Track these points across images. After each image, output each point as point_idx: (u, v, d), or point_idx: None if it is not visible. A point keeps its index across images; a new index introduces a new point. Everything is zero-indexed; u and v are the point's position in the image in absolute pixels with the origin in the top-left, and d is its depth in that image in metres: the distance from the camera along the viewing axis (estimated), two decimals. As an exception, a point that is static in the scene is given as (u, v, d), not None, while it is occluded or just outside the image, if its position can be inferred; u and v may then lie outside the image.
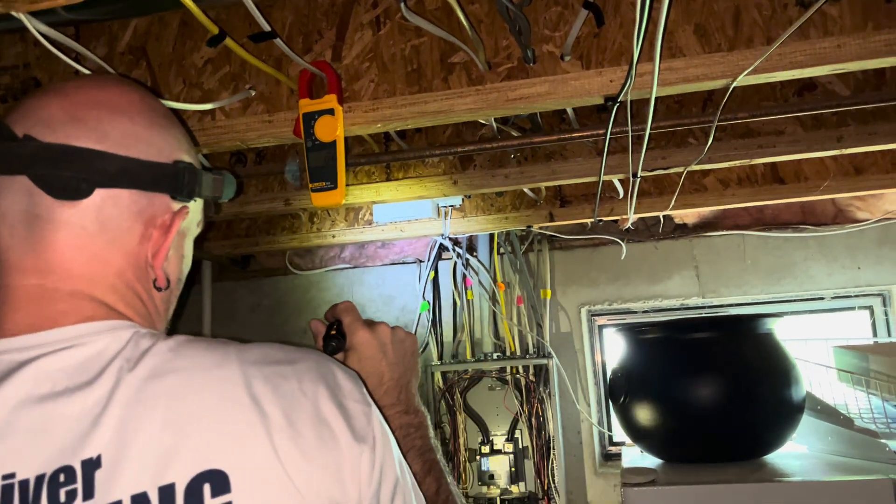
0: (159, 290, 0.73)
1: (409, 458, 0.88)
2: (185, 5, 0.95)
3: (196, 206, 0.77)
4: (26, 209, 0.66)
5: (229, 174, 0.84)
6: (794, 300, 2.64)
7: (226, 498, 0.57)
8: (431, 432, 0.94)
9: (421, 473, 0.88)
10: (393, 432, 0.88)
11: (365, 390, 0.70)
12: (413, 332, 1.90)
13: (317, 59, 1.31)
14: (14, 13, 0.95)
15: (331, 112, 1.23)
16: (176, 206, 0.73)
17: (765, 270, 2.64)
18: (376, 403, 0.71)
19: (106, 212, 0.67)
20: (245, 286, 3.05)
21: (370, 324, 0.93)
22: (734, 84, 1.20)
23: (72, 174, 0.65)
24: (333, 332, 0.92)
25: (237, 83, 1.35)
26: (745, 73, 1.16)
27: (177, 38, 1.39)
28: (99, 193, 0.67)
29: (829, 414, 1.98)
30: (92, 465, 0.58)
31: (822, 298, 2.62)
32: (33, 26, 0.98)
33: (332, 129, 1.22)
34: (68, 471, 0.58)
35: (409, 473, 0.74)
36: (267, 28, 1.10)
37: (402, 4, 1.02)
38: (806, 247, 2.60)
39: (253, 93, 1.33)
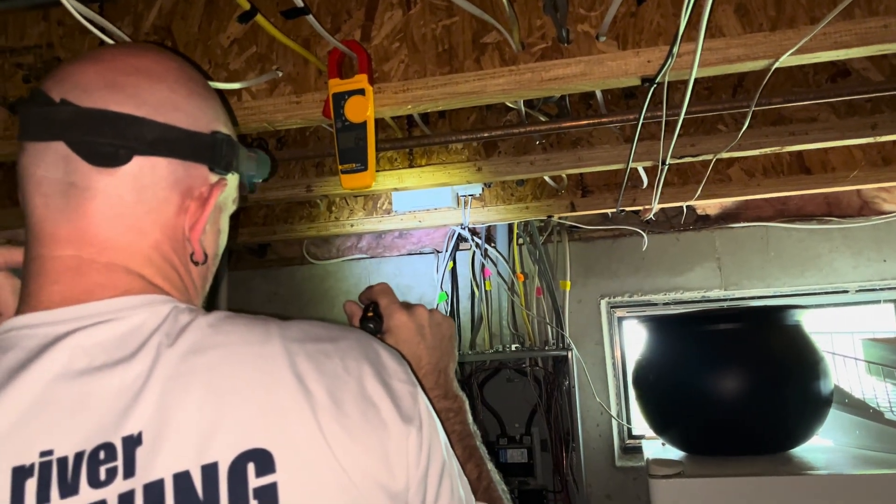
0: (196, 264, 0.70)
1: (451, 444, 0.87)
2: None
3: (233, 180, 0.74)
4: (62, 177, 0.63)
5: (263, 153, 0.81)
6: (819, 293, 2.61)
7: (271, 478, 0.55)
8: (470, 417, 0.92)
9: (462, 459, 0.85)
10: None
11: (410, 370, 0.68)
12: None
13: (346, 39, 1.28)
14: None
15: (361, 92, 1.20)
16: (214, 177, 0.70)
17: (788, 263, 2.60)
18: (420, 385, 0.69)
19: (143, 181, 0.65)
20: (261, 275, 3.04)
21: (407, 306, 0.90)
22: (777, 65, 1.17)
23: (109, 140, 0.63)
24: (370, 315, 0.90)
25: (264, 64, 1.32)
26: (789, 52, 1.13)
27: (202, 18, 1.36)
28: (136, 161, 0.64)
29: (857, 407, 1.95)
30: (133, 443, 0.55)
31: (846, 291, 2.58)
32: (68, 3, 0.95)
33: (363, 110, 1.19)
34: (108, 448, 0.55)
35: (454, 457, 0.72)
36: (300, 3, 1.07)
37: (440, -22, 0.99)
38: (831, 239, 2.57)
39: (280, 73, 1.30)
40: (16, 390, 0.57)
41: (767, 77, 1.23)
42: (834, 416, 1.95)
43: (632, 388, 2.25)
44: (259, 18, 1.11)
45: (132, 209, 0.65)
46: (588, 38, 1.23)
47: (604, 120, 1.57)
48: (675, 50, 1.09)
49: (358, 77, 1.21)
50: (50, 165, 0.64)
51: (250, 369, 0.59)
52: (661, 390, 1.97)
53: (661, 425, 2.00)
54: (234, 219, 2.56)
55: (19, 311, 0.64)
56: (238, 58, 1.34)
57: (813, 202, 2.59)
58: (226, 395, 0.57)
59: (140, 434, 0.56)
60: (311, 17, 1.13)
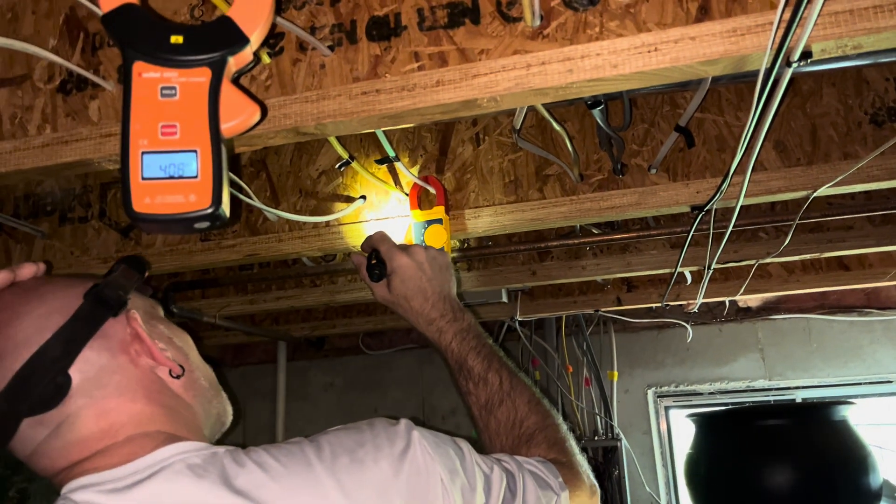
0: (178, 377, 0.76)
1: (470, 360, 0.97)
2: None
3: (138, 303, 0.79)
4: (49, 432, 0.70)
5: (132, 260, 0.85)
6: (863, 383, 2.66)
7: None
8: (480, 328, 1.03)
9: (483, 371, 0.96)
10: (450, 343, 0.98)
11: (430, 442, 0.74)
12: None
13: (422, 173, 1.44)
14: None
15: (439, 221, 1.35)
16: (122, 317, 0.75)
17: (831, 354, 2.67)
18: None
19: (91, 377, 0.71)
20: (318, 365, 3.17)
21: (405, 248, 1.04)
22: (814, 195, 1.30)
23: (42, 388, 0.69)
24: (374, 262, 1.04)
25: (348, 192, 1.49)
26: (827, 186, 1.26)
27: (293, 153, 1.54)
28: (72, 372, 0.70)
29: (907, 502, 1.99)
30: None
31: (890, 381, 2.63)
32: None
33: (441, 238, 1.34)
34: None
35: (477, 461, 0.79)
36: (392, 154, 1.24)
37: (516, 135, 1.14)
38: (871, 330, 2.64)
39: (364, 201, 1.46)
40: None
41: (807, 203, 1.36)
42: (885, 510, 1.99)
43: (682, 480, 2.30)
44: (355, 164, 1.27)
45: (106, 397, 0.71)
46: (641, 170, 1.38)
47: (653, 233, 1.70)
48: (725, 186, 1.22)
49: (436, 208, 1.36)
50: (32, 434, 0.71)
51: (307, 497, 0.65)
52: (712, 485, 2.03)
53: (714, 519, 2.06)
54: (296, 314, 2.67)
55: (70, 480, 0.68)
56: (326, 187, 1.50)
57: (852, 294, 2.67)
58: None
59: None
60: (399, 164, 1.29)
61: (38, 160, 0.96)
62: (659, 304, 2.43)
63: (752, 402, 2.71)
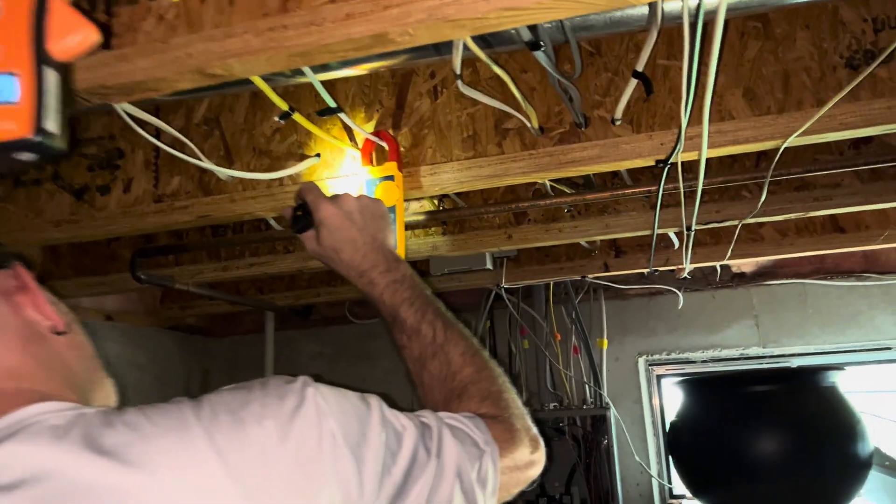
0: (62, 334, 0.72)
1: (403, 311, 0.92)
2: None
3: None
4: None
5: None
6: (860, 350, 2.58)
7: None
8: (417, 278, 0.97)
9: (416, 323, 0.91)
10: (381, 295, 0.93)
11: (326, 399, 0.68)
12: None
13: (378, 128, 1.38)
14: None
15: (391, 178, 1.29)
16: (10, 272, 0.72)
17: (828, 320, 2.59)
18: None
19: None
20: (306, 335, 3.14)
21: (334, 197, 0.98)
22: (784, 146, 1.22)
23: None
24: (300, 214, 0.98)
25: (303, 150, 1.43)
26: (795, 135, 1.19)
27: (248, 110, 1.48)
28: None
29: (898, 470, 1.93)
30: None
31: (889, 348, 2.55)
32: (119, 107, 1.07)
33: (393, 194, 1.28)
34: None
35: (387, 417, 0.73)
36: (332, 104, 1.17)
37: (459, 81, 1.08)
38: (870, 296, 2.55)
39: (319, 159, 1.40)
40: None
41: (778, 155, 1.28)
42: (877, 478, 1.93)
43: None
44: (296, 116, 1.21)
45: None
46: (604, 122, 1.30)
47: (627, 192, 1.63)
48: (682, 136, 1.15)
49: (388, 164, 1.30)
50: None
51: (175, 460, 0.60)
52: (696, 452, 1.98)
53: (698, 488, 2.01)
54: (280, 282, 2.63)
55: None
56: (280, 145, 1.45)
57: (851, 259, 2.58)
58: (161, 481, 0.59)
59: None
60: (343, 115, 1.23)
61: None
62: (647, 270, 2.36)
63: (746, 369, 2.64)
